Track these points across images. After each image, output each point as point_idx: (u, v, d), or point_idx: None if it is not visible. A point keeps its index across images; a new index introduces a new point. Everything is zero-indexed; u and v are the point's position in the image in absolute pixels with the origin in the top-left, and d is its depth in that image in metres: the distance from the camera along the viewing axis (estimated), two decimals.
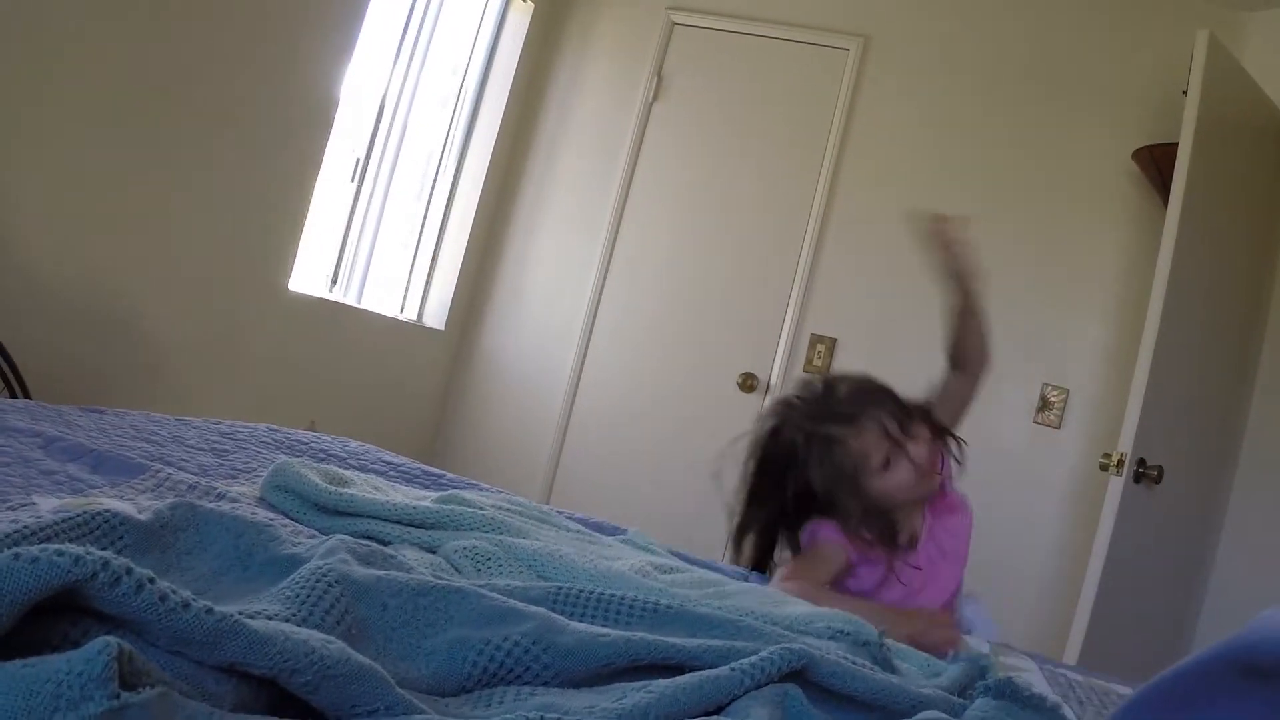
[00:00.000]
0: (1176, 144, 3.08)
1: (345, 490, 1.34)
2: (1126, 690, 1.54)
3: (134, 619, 0.56)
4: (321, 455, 1.84)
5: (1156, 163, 3.59)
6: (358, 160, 4.10)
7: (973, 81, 4.21)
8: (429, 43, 4.36)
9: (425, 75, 4.39)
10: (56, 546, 0.55)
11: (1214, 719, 0.52)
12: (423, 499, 1.43)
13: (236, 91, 3.20)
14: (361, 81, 3.96)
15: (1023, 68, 4.15)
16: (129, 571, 0.56)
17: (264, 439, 1.83)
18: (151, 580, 0.57)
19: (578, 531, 1.55)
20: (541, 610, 0.91)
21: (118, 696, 0.46)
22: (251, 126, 3.31)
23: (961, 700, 0.96)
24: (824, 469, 1.79)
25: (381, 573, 0.88)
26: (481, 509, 1.38)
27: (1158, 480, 2.97)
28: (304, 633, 0.64)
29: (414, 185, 4.54)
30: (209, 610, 0.58)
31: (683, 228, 4.55)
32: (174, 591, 0.57)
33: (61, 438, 1.36)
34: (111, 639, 0.48)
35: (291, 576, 0.82)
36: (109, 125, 2.82)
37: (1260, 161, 3.46)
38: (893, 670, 1.06)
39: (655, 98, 4.64)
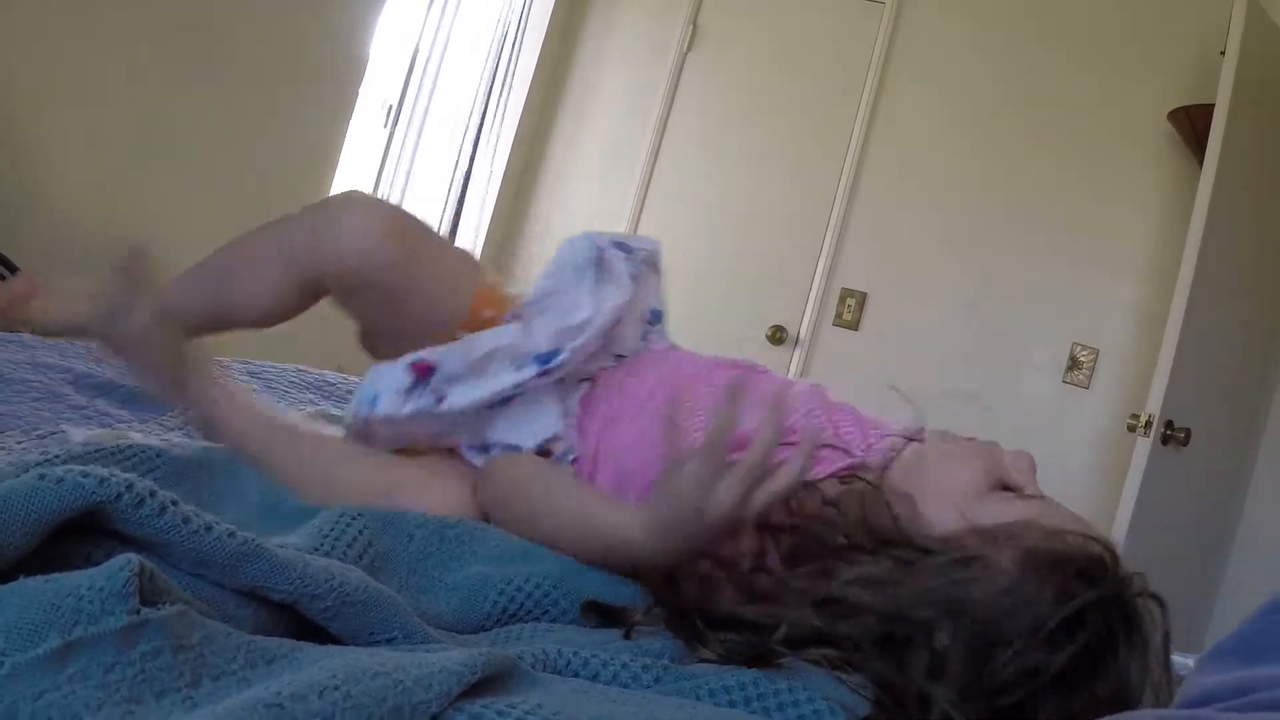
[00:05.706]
0: (1213, 105, 3.03)
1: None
2: None
3: (157, 540, 0.57)
4: (349, 396, 1.85)
5: (1193, 124, 3.53)
6: (390, 107, 4.09)
7: (1009, 38, 4.15)
8: None
9: (459, 23, 4.37)
10: (81, 468, 0.55)
11: None
12: None
13: (268, 37, 3.19)
14: (394, 28, 3.94)
15: (1060, 25, 4.08)
16: (153, 494, 0.57)
17: (292, 379, 1.84)
18: (175, 503, 0.58)
19: None
20: None
21: (138, 611, 0.47)
22: (284, 73, 3.30)
23: None
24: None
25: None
26: None
27: (1185, 442, 2.95)
28: (324, 560, 0.65)
29: (446, 134, 4.52)
30: (231, 534, 0.59)
31: (714, 179, 4.52)
32: (197, 514, 0.58)
33: (90, 374, 1.37)
34: (133, 556, 0.49)
35: (315, 517, 0.84)
36: (143, 69, 2.82)
37: None
38: None
39: (690, 48, 4.59)
